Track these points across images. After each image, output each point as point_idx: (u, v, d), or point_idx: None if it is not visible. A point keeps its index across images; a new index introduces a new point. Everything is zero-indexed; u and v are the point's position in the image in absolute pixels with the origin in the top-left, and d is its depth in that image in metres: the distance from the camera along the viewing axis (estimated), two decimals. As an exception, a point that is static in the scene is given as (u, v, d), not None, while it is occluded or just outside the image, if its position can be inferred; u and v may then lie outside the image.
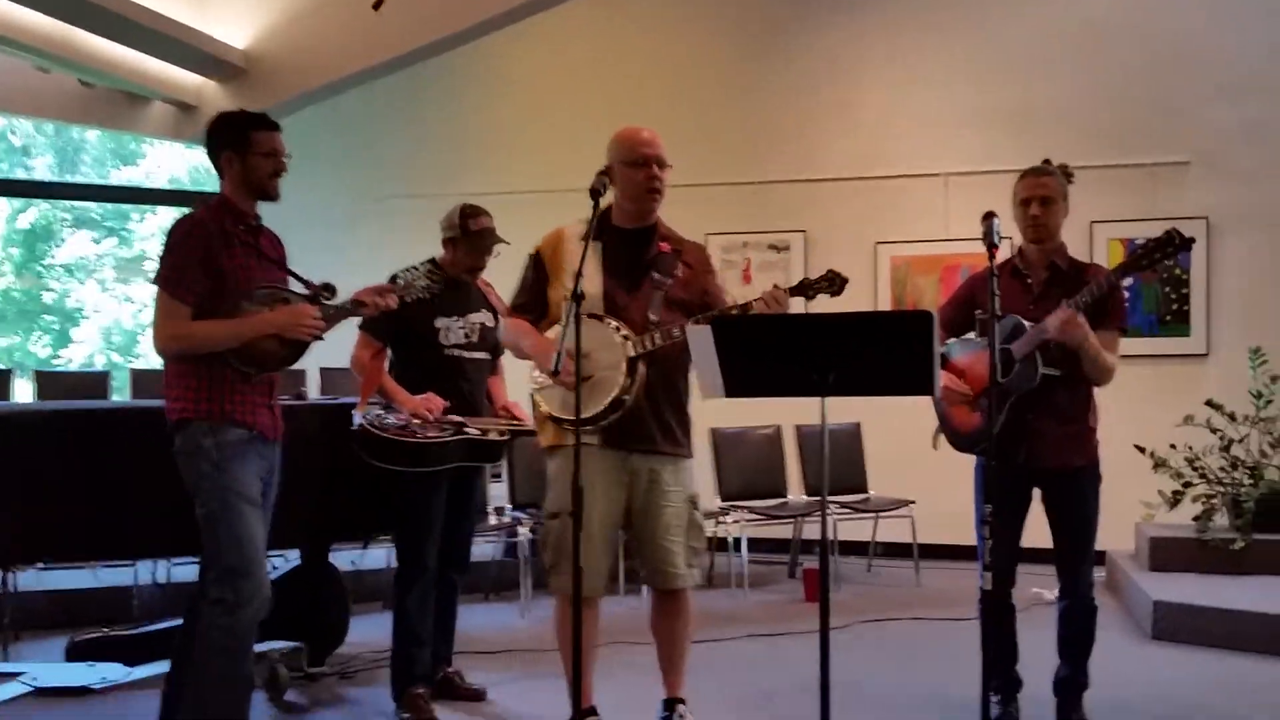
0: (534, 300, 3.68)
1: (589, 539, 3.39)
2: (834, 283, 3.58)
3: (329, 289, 3.46)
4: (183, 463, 3.29)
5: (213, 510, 3.25)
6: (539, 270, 3.67)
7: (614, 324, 3.48)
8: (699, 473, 6.50)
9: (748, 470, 6.79)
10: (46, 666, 4.47)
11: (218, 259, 3.26)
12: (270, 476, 3.46)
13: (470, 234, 4.18)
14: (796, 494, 6.87)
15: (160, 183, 13.33)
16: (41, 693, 4.24)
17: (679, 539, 3.62)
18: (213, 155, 3.40)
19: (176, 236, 3.28)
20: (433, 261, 4.19)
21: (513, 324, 3.69)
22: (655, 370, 3.50)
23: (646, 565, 3.68)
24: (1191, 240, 3.48)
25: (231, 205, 3.38)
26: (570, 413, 3.33)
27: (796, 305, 3.60)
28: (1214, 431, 6.00)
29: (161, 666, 3.73)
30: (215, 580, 3.27)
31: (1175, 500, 5.97)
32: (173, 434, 3.30)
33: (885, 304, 7.57)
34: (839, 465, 6.77)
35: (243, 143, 3.35)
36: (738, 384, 3.00)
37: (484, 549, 6.15)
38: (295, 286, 3.47)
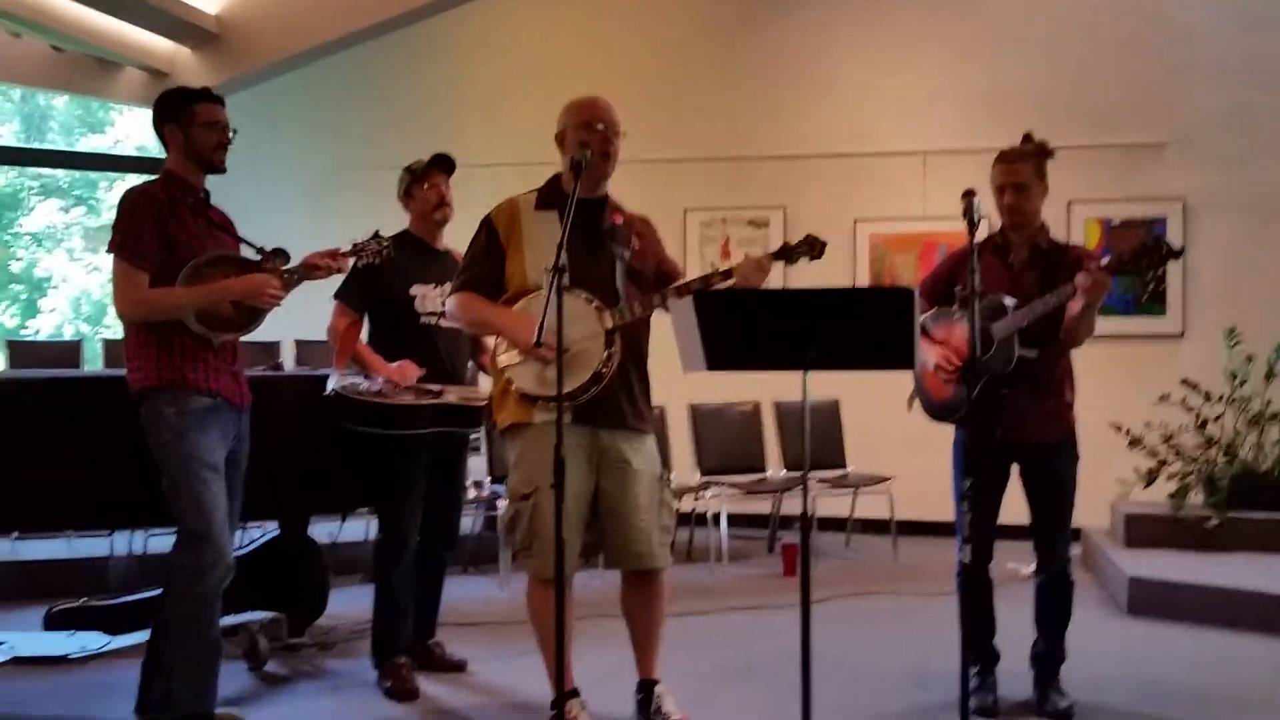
0: (488, 273, 3.52)
1: (565, 516, 3.32)
2: (814, 247, 3.55)
3: (281, 254, 3.50)
4: (146, 431, 3.33)
5: (174, 477, 3.29)
6: (493, 243, 3.53)
7: (584, 295, 3.40)
8: (680, 447, 6.60)
9: (727, 445, 6.81)
10: (24, 635, 4.43)
11: (168, 227, 3.31)
12: (239, 444, 3.49)
13: (418, 176, 4.18)
14: (776, 469, 6.90)
15: (128, 151, 13.13)
16: (19, 661, 4.21)
17: (651, 518, 3.52)
18: (158, 130, 3.46)
19: (127, 206, 3.33)
20: (404, 233, 4.19)
21: (469, 299, 3.53)
22: (624, 345, 3.43)
23: (616, 545, 3.54)
24: (1180, 251, 3.49)
25: (177, 178, 3.42)
26: (547, 388, 3.26)
27: (776, 271, 3.59)
28: (1189, 410, 6.06)
29: (142, 636, 3.72)
30: (178, 546, 3.34)
31: (1151, 478, 6.03)
32: (137, 404, 3.34)
33: (864, 281, 7.58)
34: (818, 441, 6.79)
35: (185, 115, 3.41)
36: (719, 357, 2.99)
37: (463, 521, 6.12)
38: (246, 252, 3.51)
